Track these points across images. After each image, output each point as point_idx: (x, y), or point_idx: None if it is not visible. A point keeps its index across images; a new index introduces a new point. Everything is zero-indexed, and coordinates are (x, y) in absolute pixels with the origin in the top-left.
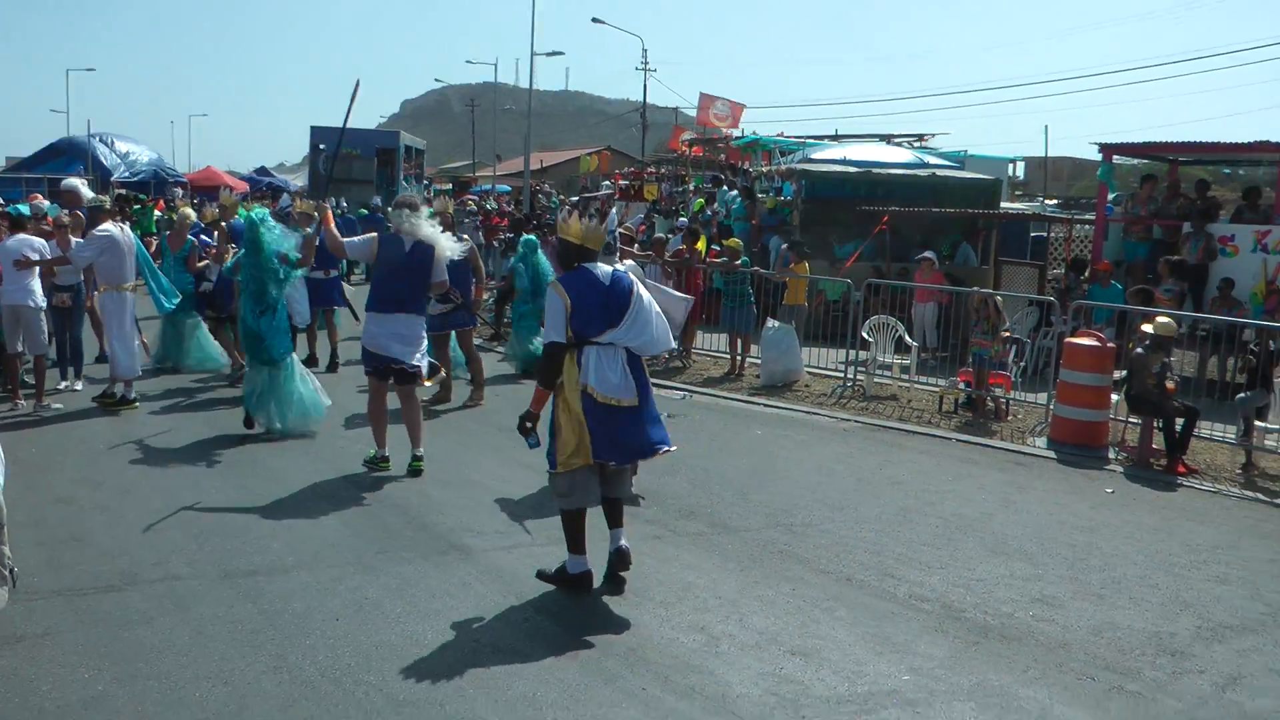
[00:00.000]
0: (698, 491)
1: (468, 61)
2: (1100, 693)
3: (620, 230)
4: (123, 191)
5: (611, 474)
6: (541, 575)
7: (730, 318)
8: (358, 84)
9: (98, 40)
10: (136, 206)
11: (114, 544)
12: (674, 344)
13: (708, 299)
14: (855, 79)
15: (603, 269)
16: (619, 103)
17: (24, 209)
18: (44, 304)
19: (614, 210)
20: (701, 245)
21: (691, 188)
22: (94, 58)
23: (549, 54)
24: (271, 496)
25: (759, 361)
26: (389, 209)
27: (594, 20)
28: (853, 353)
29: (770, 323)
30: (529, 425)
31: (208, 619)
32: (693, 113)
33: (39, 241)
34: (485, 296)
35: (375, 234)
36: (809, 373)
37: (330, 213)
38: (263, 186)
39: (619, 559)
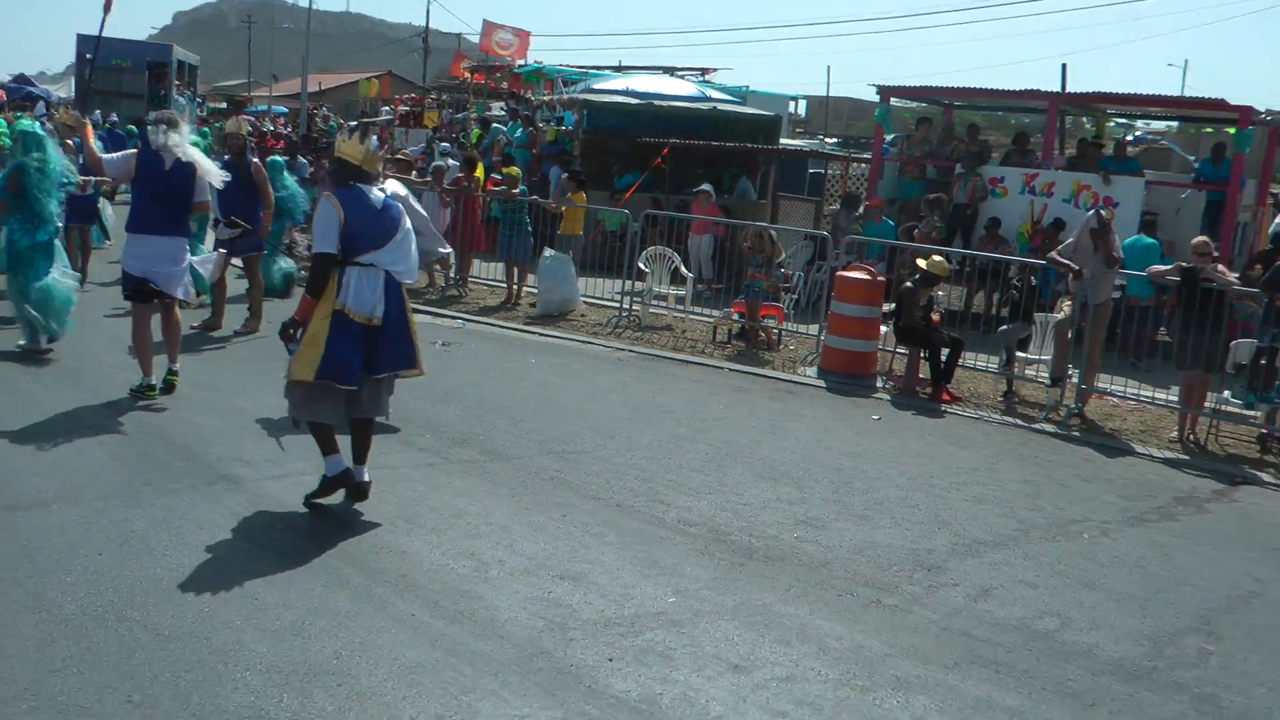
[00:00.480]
0: (471, 419)
1: None
2: (859, 607)
3: (399, 156)
4: None
5: (364, 393)
6: (308, 499)
7: (507, 247)
8: None
9: None
10: None
11: None
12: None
13: (486, 227)
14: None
15: (375, 193)
16: (402, 27)
17: None
18: None
19: (373, 136)
20: (480, 174)
21: (472, 115)
22: None
23: None
24: (31, 425)
25: (536, 291)
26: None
27: None
28: (629, 283)
29: (547, 252)
30: (291, 332)
31: None
32: (476, 39)
33: None
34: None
35: (134, 151)
36: (585, 302)
37: (90, 127)
38: (21, 95)
39: (358, 493)
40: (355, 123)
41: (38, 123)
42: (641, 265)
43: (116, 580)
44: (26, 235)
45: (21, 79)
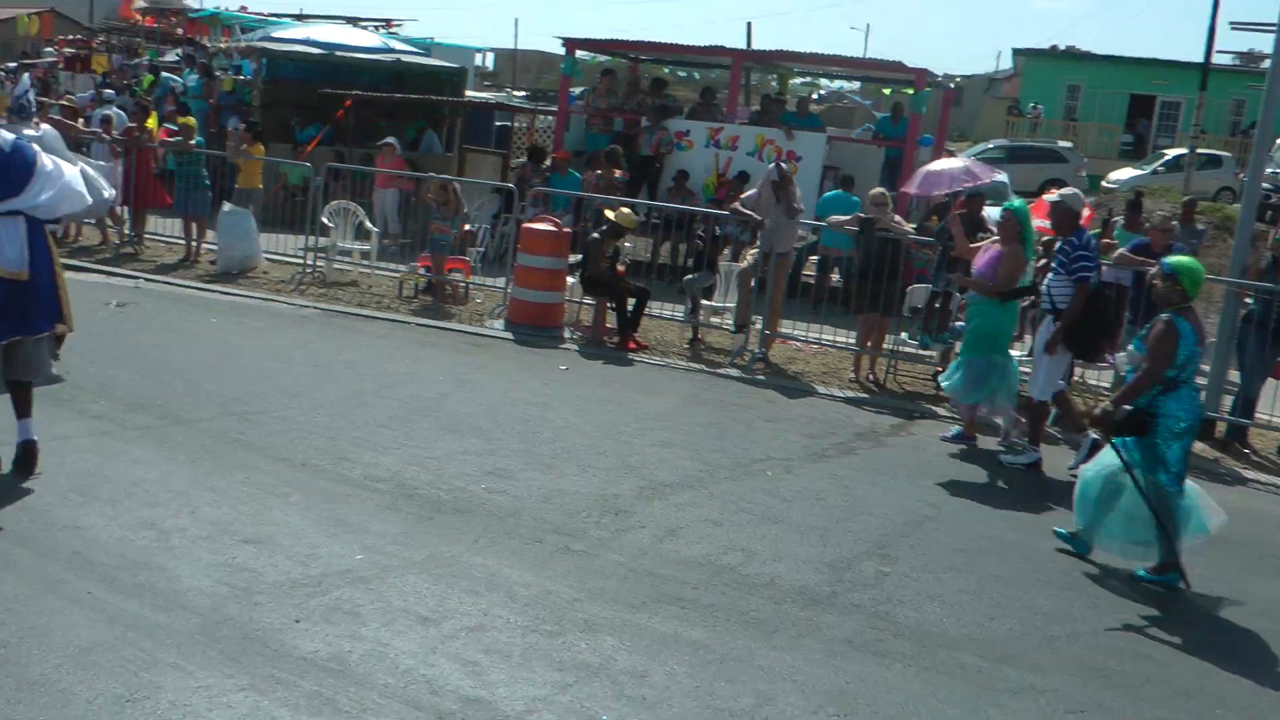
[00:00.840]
0: (148, 383)
1: None
2: (547, 554)
3: (63, 102)
4: None
5: (18, 354)
6: None
7: (184, 202)
8: None
9: None
10: None
11: None
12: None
13: (161, 181)
14: None
15: (3, 135)
16: None
17: None
18: None
19: (25, 75)
20: (152, 123)
21: (145, 61)
22: None
23: None
24: None
25: (215, 247)
26: None
27: None
28: (313, 239)
29: (226, 207)
30: None
31: None
32: None
33: None
34: None
35: None
36: (268, 259)
37: None
38: None
39: (25, 454)
40: (13, 64)
41: None
42: (325, 220)
43: None
44: None
45: None
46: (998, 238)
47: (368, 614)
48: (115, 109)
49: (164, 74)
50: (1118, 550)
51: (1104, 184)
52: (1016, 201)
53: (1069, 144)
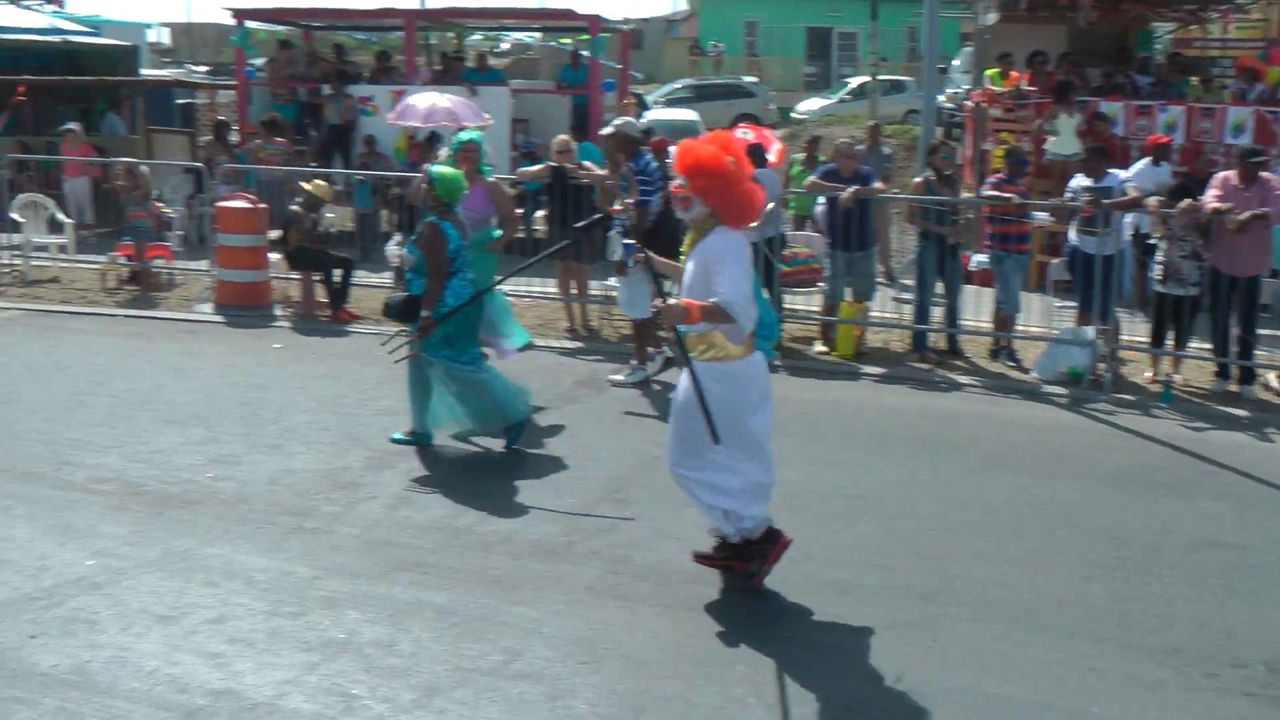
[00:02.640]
0: None
1: None
2: (281, 535)
3: None
4: None
5: None
6: None
7: None
8: None
9: None
10: None
11: None
12: None
13: None
14: None
15: None
16: None
17: None
18: None
19: None
20: None
21: None
22: None
23: None
24: None
25: None
26: None
27: None
28: (5, 236)
29: None
30: None
31: None
32: None
33: None
34: None
35: None
36: None
37: None
38: None
39: None
40: None
41: None
42: (15, 216)
43: None
44: None
45: None
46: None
47: (105, 620)
48: None
49: None
50: (451, 428)
51: (794, 115)
52: (469, 134)
53: (754, 79)
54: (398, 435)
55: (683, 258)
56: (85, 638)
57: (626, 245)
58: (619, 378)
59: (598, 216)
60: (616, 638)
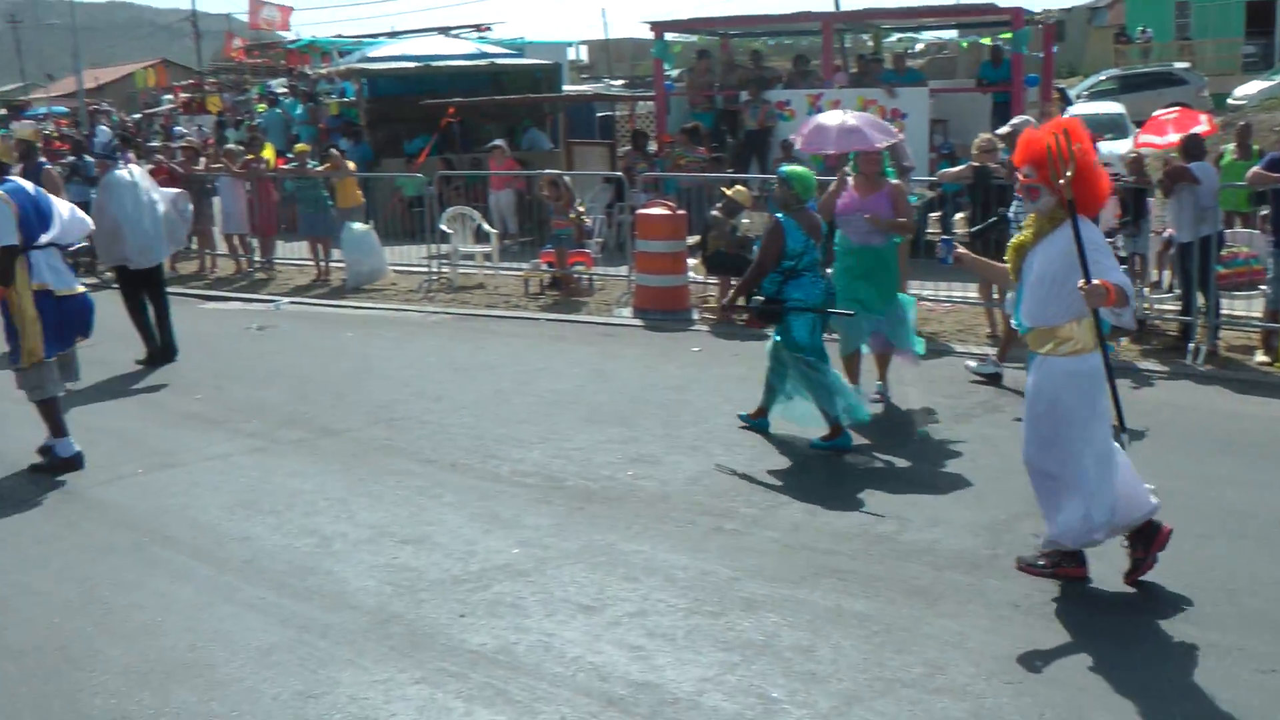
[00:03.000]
0: (295, 399)
1: None
2: (700, 535)
3: (184, 144)
4: None
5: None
6: (35, 467)
7: (309, 224)
8: None
9: None
10: None
11: None
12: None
13: (283, 206)
14: None
15: (17, 182)
16: (168, 11)
17: None
18: None
19: (101, 126)
20: (269, 153)
21: (254, 95)
22: None
23: None
24: None
25: (343, 265)
26: None
27: None
28: (434, 247)
29: (349, 226)
30: None
31: None
32: (245, 18)
33: None
34: None
35: None
36: (394, 270)
37: None
38: None
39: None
40: (138, 115)
41: None
42: (444, 227)
43: None
44: None
45: None
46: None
47: (530, 606)
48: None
49: (281, 99)
50: (794, 419)
51: (1231, 101)
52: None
53: (1186, 65)
54: (742, 414)
55: (1012, 251)
56: (511, 620)
57: (945, 241)
58: (972, 364)
59: (993, 219)
60: (1043, 659)
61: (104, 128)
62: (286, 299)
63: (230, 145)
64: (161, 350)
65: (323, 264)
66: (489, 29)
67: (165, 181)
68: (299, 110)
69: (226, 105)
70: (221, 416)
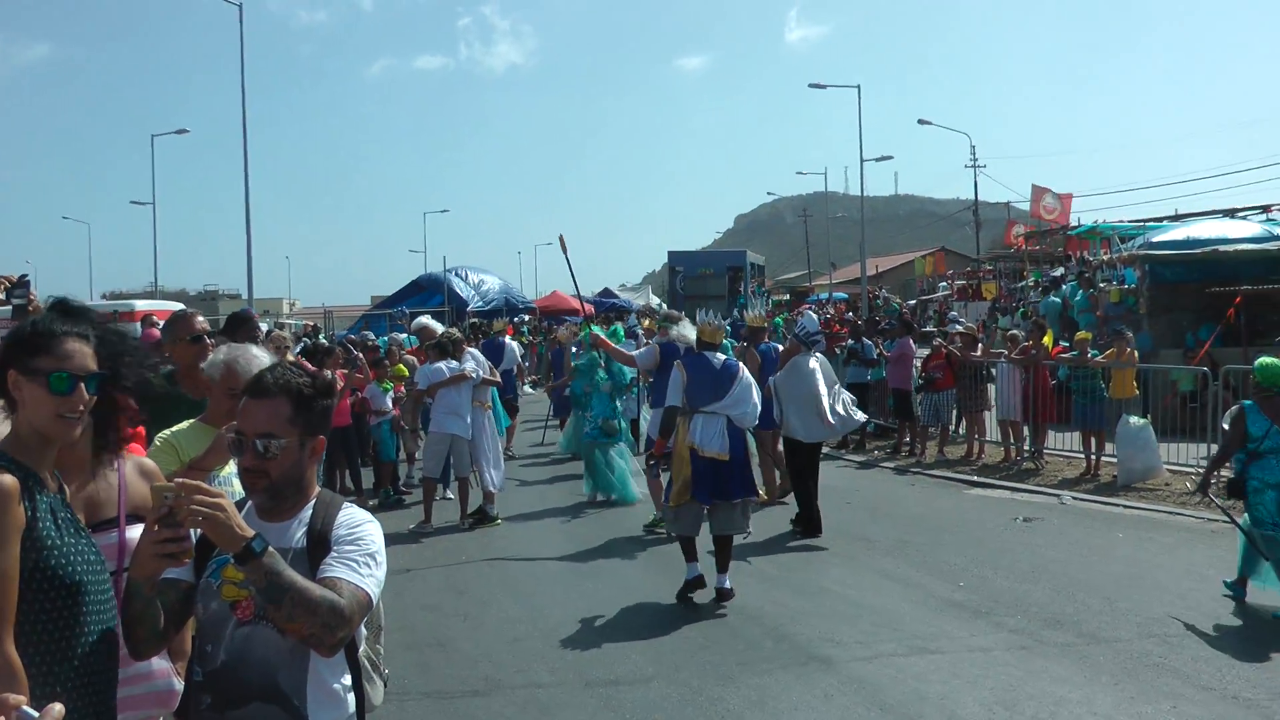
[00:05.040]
0: (1062, 599)
1: (798, 173)
2: None
3: (958, 330)
4: (475, 320)
5: (718, 515)
6: (679, 595)
7: (1083, 415)
8: (561, 239)
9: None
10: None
11: (477, 650)
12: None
13: (1058, 395)
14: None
15: (718, 357)
16: (949, 202)
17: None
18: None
19: (810, 311)
20: (1048, 340)
21: (1030, 282)
22: (446, 200)
23: (878, 159)
24: (627, 606)
25: (1114, 460)
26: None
27: (920, 122)
28: (1213, 447)
29: (1127, 419)
30: (651, 464)
31: None
32: (1024, 206)
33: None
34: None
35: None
36: (1168, 469)
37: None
38: (607, 308)
39: (719, 594)
40: (913, 301)
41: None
42: (1225, 426)
43: None
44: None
45: (606, 293)
46: None
47: None
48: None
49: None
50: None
51: None
52: None
53: None
54: (1226, 581)
55: None
56: None
57: None
58: None
59: None
60: None
61: (811, 314)
62: (1063, 493)
63: (1013, 331)
64: (807, 520)
65: (1093, 457)
66: (1278, 207)
67: (940, 366)
68: (1079, 296)
69: (1002, 292)
70: (985, 607)
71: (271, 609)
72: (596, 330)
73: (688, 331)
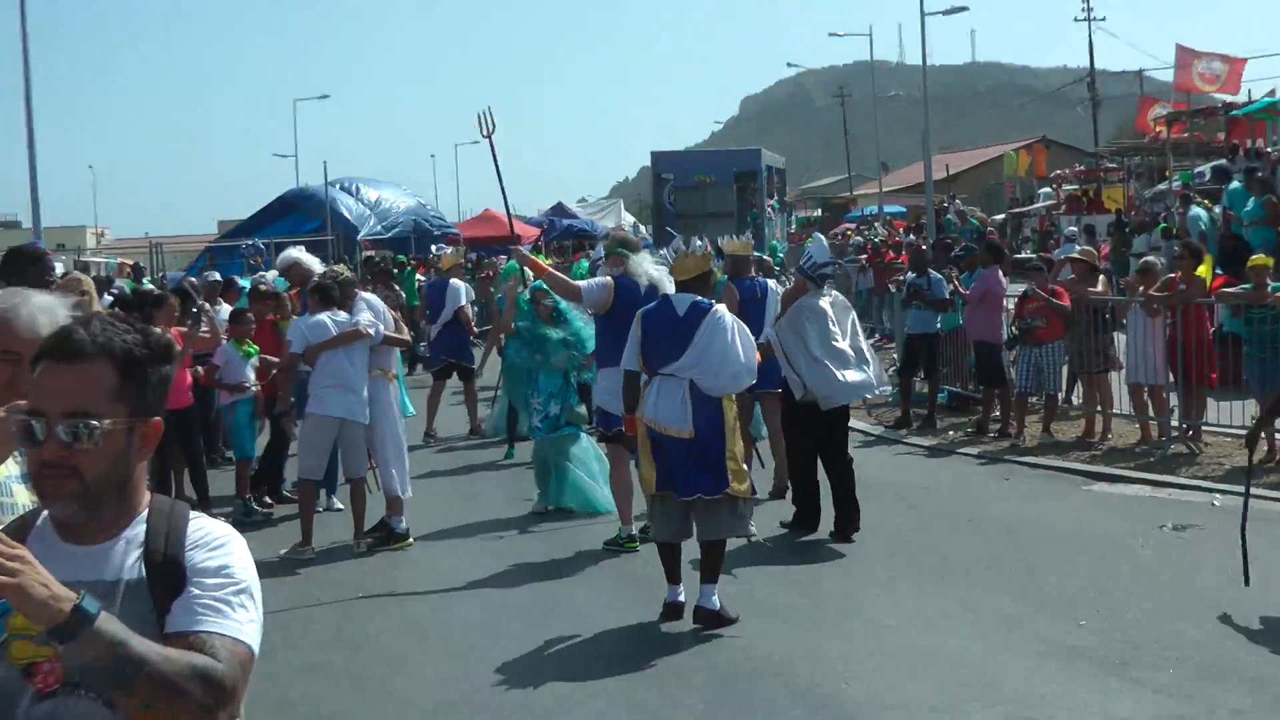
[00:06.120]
0: (1228, 642)
1: (831, 34)
2: None
3: (1072, 255)
4: (372, 254)
5: (699, 508)
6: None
7: (1259, 375)
8: (481, 119)
9: (327, 59)
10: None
11: None
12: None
13: (1221, 348)
14: None
15: (686, 298)
16: (1051, 73)
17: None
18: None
19: (818, 235)
20: (1205, 270)
21: (1176, 186)
22: (326, 83)
23: (946, 11)
24: (593, 658)
25: None
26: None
27: None
28: None
29: None
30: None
31: None
32: (1165, 76)
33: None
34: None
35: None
36: None
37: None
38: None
39: (701, 619)
40: (1002, 215)
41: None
42: None
43: None
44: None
45: (559, 210)
46: None
47: None
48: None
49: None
50: None
51: None
52: None
53: None
54: None
55: None
56: None
57: None
58: None
59: None
60: None
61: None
62: (1231, 488)
63: (1150, 258)
64: (806, 520)
65: (1278, 436)
66: None
67: (1044, 309)
68: (1250, 205)
69: (1133, 201)
70: (1118, 656)
71: (120, 696)
72: (525, 251)
73: (650, 266)
